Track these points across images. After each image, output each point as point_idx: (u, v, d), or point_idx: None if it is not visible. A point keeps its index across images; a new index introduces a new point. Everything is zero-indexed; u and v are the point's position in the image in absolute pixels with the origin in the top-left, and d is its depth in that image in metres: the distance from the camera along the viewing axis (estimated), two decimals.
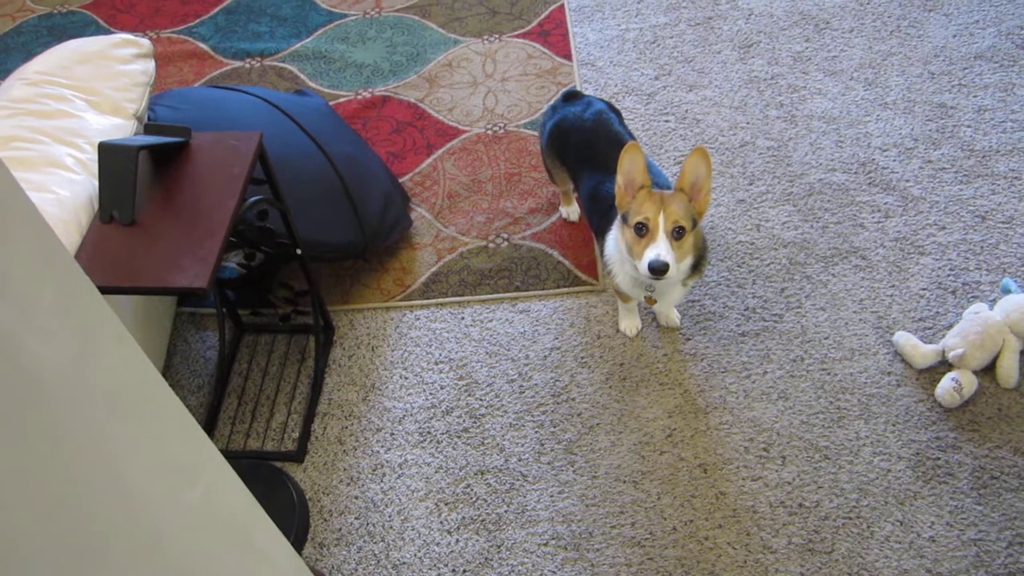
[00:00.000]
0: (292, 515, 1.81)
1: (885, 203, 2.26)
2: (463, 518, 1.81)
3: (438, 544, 1.78)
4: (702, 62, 2.69)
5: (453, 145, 2.55)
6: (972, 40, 2.65)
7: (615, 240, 1.82)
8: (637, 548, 1.74)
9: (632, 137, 1.98)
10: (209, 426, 2.00)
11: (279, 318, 2.10)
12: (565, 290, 2.17)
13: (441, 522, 1.81)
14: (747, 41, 2.74)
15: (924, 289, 2.08)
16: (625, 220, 1.73)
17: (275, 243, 1.87)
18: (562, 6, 2.96)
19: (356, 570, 1.76)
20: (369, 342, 2.11)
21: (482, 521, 1.80)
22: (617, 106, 2.54)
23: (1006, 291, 2.00)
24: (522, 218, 2.34)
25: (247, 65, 2.87)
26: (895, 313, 2.04)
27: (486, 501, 1.83)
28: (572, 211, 2.30)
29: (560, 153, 2.06)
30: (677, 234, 1.67)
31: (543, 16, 2.93)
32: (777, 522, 1.75)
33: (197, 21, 3.06)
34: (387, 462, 1.91)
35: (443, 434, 1.94)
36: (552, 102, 2.20)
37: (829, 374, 1.96)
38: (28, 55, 2.88)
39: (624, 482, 1.83)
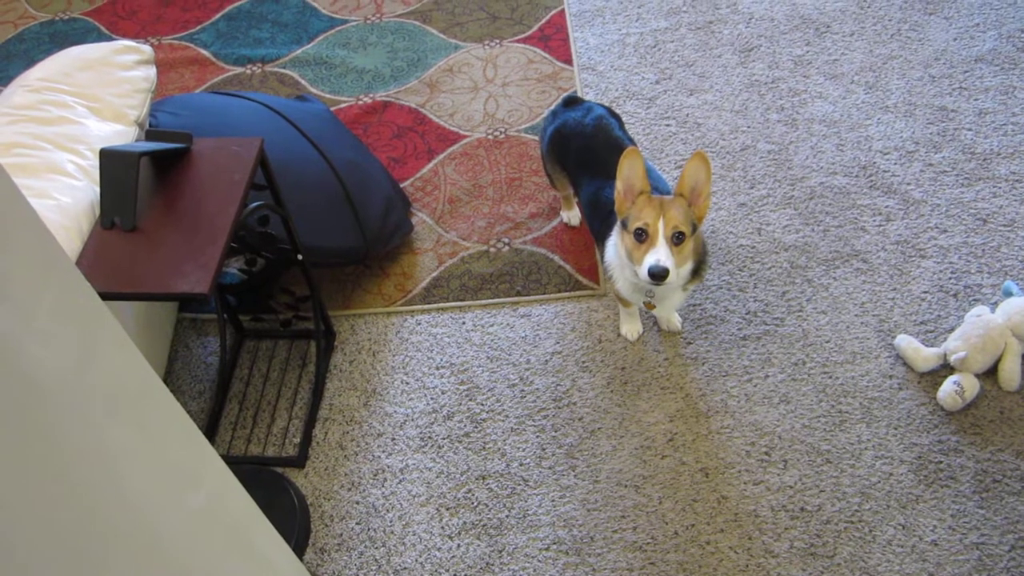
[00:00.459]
0: (293, 520, 1.81)
1: (886, 206, 2.26)
2: (464, 523, 1.81)
3: (439, 549, 1.78)
4: (703, 66, 2.69)
5: (454, 150, 2.55)
6: (973, 43, 2.65)
7: (615, 245, 1.83)
8: (639, 552, 1.74)
9: (632, 142, 1.98)
10: (210, 432, 2.00)
11: (280, 323, 2.11)
12: (566, 294, 2.17)
13: (442, 527, 1.81)
14: (748, 45, 2.74)
15: (926, 292, 2.08)
16: (625, 226, 1.73)
17: (276, 248, 1.87)
18: (563, 11, 2.96)
19: (357, 575, 1.75)
20: (370, 347, 2.12)
21: (483, 526, 1.80)
22: (618, 111, 2.55)
23: (1008, 294, 2.00)
24: (523, 223, 2.34)
25: (248, 71, 2.88)
26: (896, 316, 2.04)
27: (487, 506, 1.83)
28: (573, 216, 2.31)
29: (561, 158, 2.07)
30: (677, 239, 1.67)
31: (544, 21, 2.94)
32: (779, 526, 1.75)
33: (198, 27, 3.07)
34: (388, 467, 1.91)
35: (444, 439, 1.94)
36: (552, 108, 2.20)
37: (831, 378, 1.95)
38: (30, 62, 2.89)
39: (625, 486, 1.83)
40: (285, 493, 1.85)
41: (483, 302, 2.18)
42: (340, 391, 2.04)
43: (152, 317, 1.98)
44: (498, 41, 2.89)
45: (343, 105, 2.71)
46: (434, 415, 1.98)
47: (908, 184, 2.30)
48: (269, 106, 2.18)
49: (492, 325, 2.13)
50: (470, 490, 1.85)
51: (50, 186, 1.54)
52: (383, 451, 1.93)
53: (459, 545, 1.78)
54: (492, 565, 1.75)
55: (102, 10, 3.20)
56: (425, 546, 1.78)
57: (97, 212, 1.55)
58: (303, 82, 2.81)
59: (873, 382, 1.94)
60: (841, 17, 2.80)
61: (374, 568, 1.76)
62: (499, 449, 1.91)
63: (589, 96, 2.64)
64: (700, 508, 1.79)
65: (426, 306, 2.18)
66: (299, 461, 1.93)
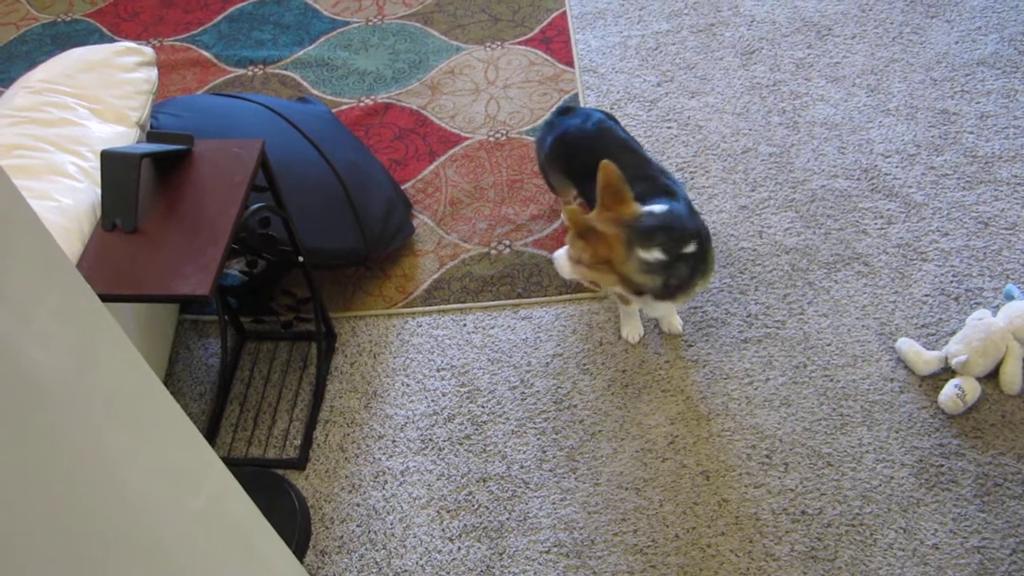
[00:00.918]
0: (294, 523, 1.81)
1: (887, 209, 2.26)
2: (465, 525, 1.81)
3: (440, 552, 1.77)
4: (704, 69, 2.69)
5: (455, 152, 2.55)
6: (974, 46, 2.65)
7: None
8: (639, 555, 1.73)
9: (635, 142, 1.98)
10: (211, 434, 2.00)
11: (281, 325, 2.11)
12: (567, 297, 2.17)
13: (443, 529, 1.81)
14: (749, 48, 2.74)
15: (927, 295, 2.08)
16: None
17: (277, 250, 1.87)
18: (564, 13, 2.96)
19: None
20: (371, 349, 2.12)
21: (484, 528, 1.80)
22: (619, 113, 2.55)
23: (1009, 297, 2.00)
24: (524, 225, 2.34)
25: (250, 73, 2.88)
26: (898, 319, 2.04)
27: (488, 508, 1.83)
28: None
29: (565, 167, 2.06)
30: None
31: (545, 23, 2.94)
32: (780, 529, 1.74)
33: (200, 29, 3.08)
34: (389, 469, 1.90)
35: (445, 441, 1.94)
36: (546, 118, 2.19)
37: (832, 381, 1.95)
38: (32, 63, 2.89)
39: (626, 489, 1.83)
40: (285, 495, 1.85)
41: (484, 304, 2.17)
42: (341, 393, 2.04)
43: (153, 319, 1.98)
44: (499, 43, 2.89)
45: (344, 107, 2.72)
46: (435, 417, 1.98)
47: (909, 187, 2.30)
48: (270, 108, 2.18)
49: (493, 327, 2.13)
50: (471, 492, 1.85)
51: (51, 188, 1.54)
52: (384, 453, 1.93)
53: (460, 548, 1.78)
54: (492, 568, 1.74)
55: (104, 12, 3.20)
56: (426, 548, 1.78)
57: (98, 214, 1.55)
58: (304, 84, 2.81)
59: (874, 385, 1.94)
60: (843, 20, 2.80)
61: (374, 570, 1.76)
62: (500, 451, 1.91)
63: (591, 98, 2.64)
64: (701, 511, 1.78)
65: (427, 308, 2.18)
66: (300, 463, 1.93)
